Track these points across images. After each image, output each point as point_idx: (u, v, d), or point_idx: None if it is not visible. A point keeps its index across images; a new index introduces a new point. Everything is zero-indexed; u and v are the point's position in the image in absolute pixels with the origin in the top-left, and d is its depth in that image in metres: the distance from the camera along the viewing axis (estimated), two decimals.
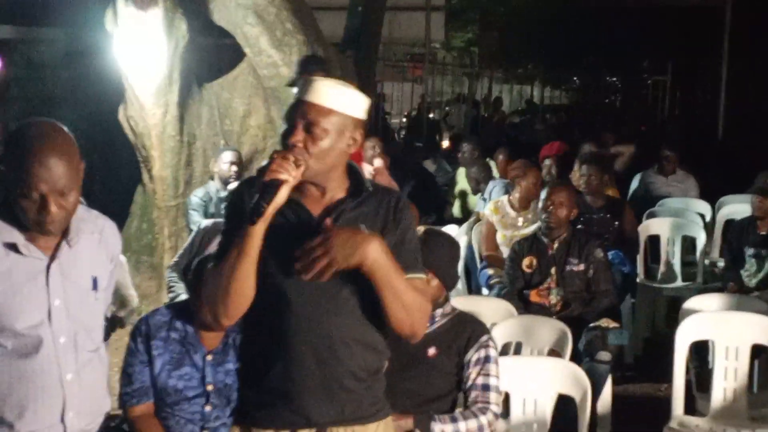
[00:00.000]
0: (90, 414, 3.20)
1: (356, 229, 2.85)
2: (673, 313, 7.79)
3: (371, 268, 2.82)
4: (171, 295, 6.30)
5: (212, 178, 7.47)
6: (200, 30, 8.36)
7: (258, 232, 2.81)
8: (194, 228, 6.97)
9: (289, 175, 2.80)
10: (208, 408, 3.95)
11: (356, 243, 2.79)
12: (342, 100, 2.92)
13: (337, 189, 2.99)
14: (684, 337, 5.11)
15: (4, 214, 3.01)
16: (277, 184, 2.79)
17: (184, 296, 6.02)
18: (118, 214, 8.76)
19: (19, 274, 3.00)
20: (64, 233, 3.08)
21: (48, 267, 3.05)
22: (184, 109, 8.07)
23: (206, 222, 6.48)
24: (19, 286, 3.00)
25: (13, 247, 3.00)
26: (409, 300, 2.91)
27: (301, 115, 2.87)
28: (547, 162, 8.99)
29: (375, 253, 2.81)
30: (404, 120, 23.71)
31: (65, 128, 3.05)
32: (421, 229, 4.03)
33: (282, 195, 2.81)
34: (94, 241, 3.18)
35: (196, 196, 7.38)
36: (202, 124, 8.29)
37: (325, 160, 2.90)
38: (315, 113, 2.87)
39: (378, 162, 8.53)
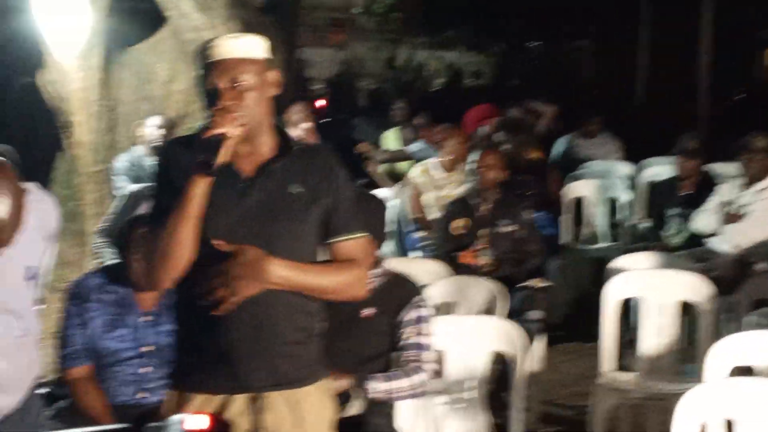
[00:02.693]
0: (20, 390, 3.17)
1: (253, 253, 2.80)
2: (599, 273, 7.91)
3: (280, 286, 2.84)
4: (99, 261, 6.21)
5: (136, 144, 7.36)
6: None
7: (200, 192, 2.78)
8: (119, 193, 6.88)
9: (231, 130, 2.78)
10: (143, 369, 3.93)
11: (257, 271, 2.79)
12: (247, 46, 2.90)
13: (265, 146, 2.95)
14: (611, 295, 5.18)
15: None
16: (219, 139, 2.76)
17: (110, 262, 5.95)
18: (40, 180, 8.61)
19: None
20: None
21: None
22: (107, 73, 7.92)
23: (134, 186, 6.40)
24: None
25: None
26: (334, 285, 2.95)
27: (220, 74, 2.84)
28: (486, 129, 9.02)
29: (277, 276, 2.82)
30: (326, 86, 23.59)
31: None
32: None
33: (225, 151, 2.78)
34: (30, 227, 3.07)
35: (122, 161, 7.27)
36: (125, 89, 8.15)
37: (258, 110, 2.89)
38: (233, 68, 2.84)
39: (306, 125, 8.48)
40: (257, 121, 2.90)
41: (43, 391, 4.99)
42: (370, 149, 9.79)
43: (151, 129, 7.20)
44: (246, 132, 2.85)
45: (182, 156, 2.90)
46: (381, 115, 12.44)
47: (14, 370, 3.11)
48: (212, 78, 2.85)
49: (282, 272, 2.83)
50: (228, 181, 2.88)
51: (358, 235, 3.03)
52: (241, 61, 2.86)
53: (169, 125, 7.39)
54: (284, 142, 2.98)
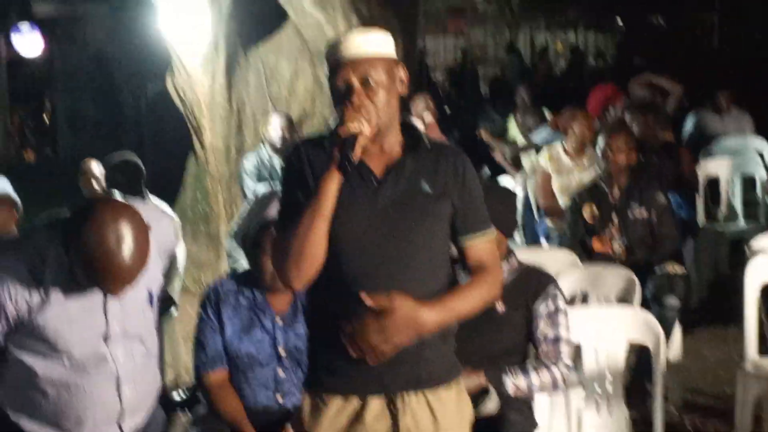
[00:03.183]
0: (144, 410, 3.23)
1: (407, 309, 2.79)
2: (736, 254, 7.70)
3: (437, 330, 2.86)
4: (231, 262, 6.30)
5: (263, 143, 7.45)
6: None
7: (334, 191, 2.79)
8: (249, 194, 6.98)
9: (364, 128, 2.78)
10: (280, 372, 3.97)
11: (414, 326, 2.80)
12: (377, 43, 2.89)
13: (395, 144, 2.95)
14: (754, 277, 5.00)
15: (57, 256, 2.95)
16: (354, 137, 2.77)
17: (244, 263, 6.02)
18: (171, 184, 8.81)
19: (76, 305, 2.98)
20: None
21: (105, 296, 3.01)
22: (232, 75, 8.04)
23: (263, 189, 6.47)
24: (77, 317, 2.98)
25: (71, 273, 2.94)
26: (479, 302, 2.97)
27: (352, 73, 2.84)
28: (613, 110, 8.85)
29: (432, 323, 2.84)
30: (447, 75, 23.52)
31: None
32: None
33: (358, 150, 2.78)
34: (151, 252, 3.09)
35: (249, 162, 7.37)
36: (251, 90, 8.25)
37: (389, 108, 2.88)
38: (364, 65, 2.84)
39: (428, 117, 8.46)
40: (387, 119, 2.89)
41: (179, 397, 5.13)
42: (491, 138, 9.69)
43: (275, 128, 7.26)
44: (376, 130, 2.85)
45: (313, 155, 2.92)
46: (504, 101, 12.33)
47: (140, 392, 3.18)
48: (342, 76, 2.85)
49: (436, 318, 2.85)
50: (359, 180, 2.88)
51: (488, 233, 3.02)
52: (371, 59, 2.86)
53: (292, 124, 7.45)
54: (413, 140, 2.97)
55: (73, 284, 2.94)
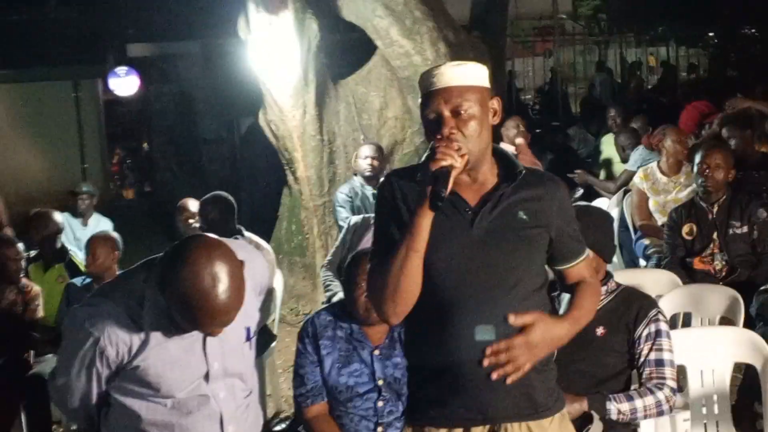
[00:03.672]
0: None
1: (546, 321, 2.86)
2: None
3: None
4: (328, 293, 6.33)
5: (355, 174, 7.49)
6: (330, 27, 8.41)
7: (426, 225, 2.77)
8: (343, 224, 7.01)
9: (455, 161, 2.76)
10: (380, 403, 3.96)
11: (551, 341, 2.87)
12: (470, 74, 2.88)
13: (489, 174, 2.94)
14: None
15: (153, 304, 2.96)
16: (446, 172, 2.74)
17: (341, 294, 6.05)
18: (267, 217, 8.92)
19: (176, 346, 2.99)
20: None
21: (204, 336, 3.01)
22: (322, 107, 8.12)
23: (356, 218, 6.50)
24: (177, 358, 2.99)
25: (169, 315, 2.93)
26: (593, 312, 3.05)
27: (444, 103, 2.83)
28: (709, 127, 8.71)
29: (566, 337, 2.92)
30: (536, 95, 23.41)
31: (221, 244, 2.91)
32: None
33: (449, 184, 2.76)
34: (248, 285, 3.07)
35: (342, 193, 7.41)
36: (341, 121, 8.32)
37: (481, 139, 2.87)
38: (456, 96, 2.83)
39: (520, 140, 8.42)
40: (480, 149, 2.88)
41: (279, 428, 5.14)
42: (591, 177, 9.57)
43: (364, 159, 7.30)
44: (468, 162, 2.83)
45: (405, 186, 2.92)
46: (597, 121, 12.22)
47: (243, 430, 3.18)
48: (435, 106, 2.85)
49: (568, 332, 2.92)
50: (453, 210, 2.87)
51: (584, 257, 3.04)
52: (464, 88, 2.85)
53: (382, 153, 7.47)
54: (507, 168, 2.95)
55: (172, 326, 2.95)
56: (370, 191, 7.25)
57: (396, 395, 3.96)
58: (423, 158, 2.84)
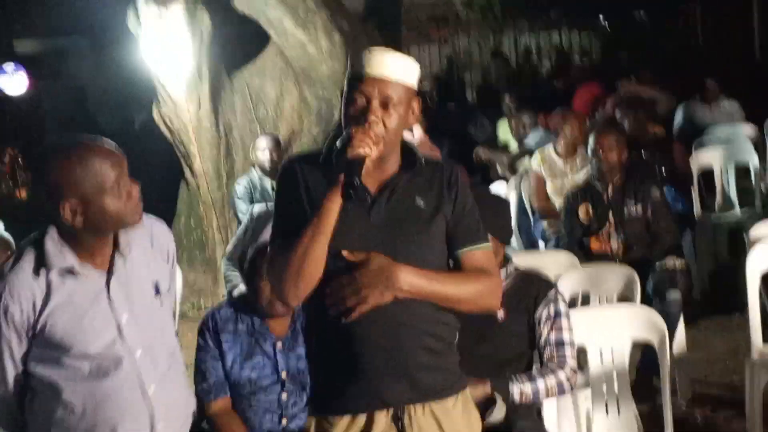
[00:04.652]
0: (178, 419, 3.20)
1: (382, 261, 2.78)
2: (734, 242, 7.68)
3: (411, 294, 2.81)
4: (229, 286, 6.27)
5: (254, 166, 7.43)
6: (223, 19, 8.30)
7: (335, 210, 2.76)
8: (242, 217, 6.95)
9: (371, 150, 2.76)
10: (284, 395, 3.94)
11: (386, 279, 2.77)
12: (407, 71, 2.88)
13: (393, 163, 2.93)
14: (755, 266, 4.98)
15: (52, 242, 2.99)
16: (361, 160, 2.74)
17: (242, 286, 5.99)
18: (165, 212, 8.78)
19: (80, 298, 2.98)
20: (115, 244, 3.05)
21: (107, 283, 3.01)
22: (217, 100, 8.04)
23: (257, 208, 6.44)
24: (83, 310, 2.97)
25: (69, 271, 2.97)
26: (467, 294, 2.91)
27: (377, 90, 2.82)
28: (600, 109, 8.86)
29: (408, 283, 2.79)
30: (433, 83, 23.51)
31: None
32: None
33: (362, 173, 2.75)
34: (147, 245, 3.14)
35: (240, 185, 7.35)
36: (237, 114, 8.25)
37: (397, 135, 2.88)
38: (390, 89, 2.83)
39: (418, 131, 8.43)
40: (393, 143, 2.88)
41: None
42: (488, 153, 9.66)
43: (262, 151, 7.24)
44: (381, 153, 2.83)
45: (308, 172, 2.90)
46: (494, 106, 12.32)
47: (169, 398, 3.14)
48: (364, 91, 2.83)
49: (412, 279, 2.80)
50: (358, 197, 2.84)
51: (484, 245, 2.99)
52: (398, 84, 2.84)
53: (279, 144, 7.42)
54: (408, 158, 2.95)
55: (72, 277, 2.96)
56: (269, 183, 7.20)
57: (300, 387, 3.94)
58: (339, 143, 2.82)
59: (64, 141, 3.05)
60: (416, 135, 8.26)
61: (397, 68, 2.85)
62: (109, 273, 3.02)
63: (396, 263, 2.79)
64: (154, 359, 3.09)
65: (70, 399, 2.99)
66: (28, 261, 2.97)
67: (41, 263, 2.96)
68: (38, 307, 2.94)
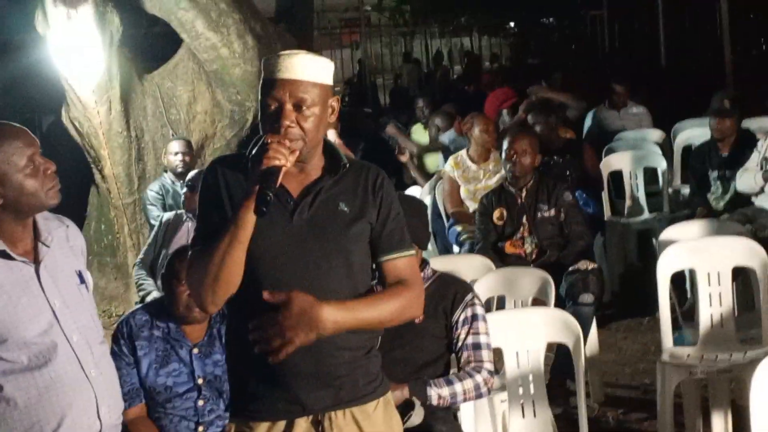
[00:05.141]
0: (117, 407, 3.21)
1: (304, 301, 2.70)
2: (644, 246, 7.81)
3: (335, 332, 2.76)
4: (141, 293, 6.18)
5: (166, 171, 7.34)
6: (134, 21, 8.19)
7: (251, 219, 2.72)
8: (154, 222, 6.86)
9: (287, 160, 2.72)
10: (201, 402, 3.90)
11: (309, 321, 2.70)
12: (320, 70, 2.84)
13: (316, 166, 2.90)
14: (665, 269, 5.07)
15: None
16: (276, 171, 2.69)
17: (155, 293, 5.93)
18: (74, 219, 8.61)
19: (12, 285, 2.97)
20: (36, 235, 3.06)
21: (37, 271, 3.02)
22: (128, 103, 7.91)
23: (168, 214, 6.38)
24: (17, 297, 2.97)
25: (1, 255, 2.97)
26: (390, 314, 2.87)
27: (288, 94, 2.78)
28: (505, 111, 8.95)
29: (331, 322, 2.73)
30: (344, 87, 23.56)
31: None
32: None
33: (277, 182, 2.71)
34: (63, 238, 3.17)
35: (152, 191, 7.24)
36: (149, 117, 8.13)
37: (316, 136, 2.84)
38: (302, 90, 2.79)
39: (332, 133, 8.41)
40: (312, 145, 2.84)
41: None
42: (397, 132, 9.67)
43: (173, 155, 7.16)
44: (300, 155, 2.80)
45: (229, 176, 2.86)
46: (405, 111, 12.36)
47: (108, 381, 3.17)
48: (278, 95, 2.79)
49: (335, 317, 2.74)
50: (280, 202, 2.81)
51: (408, 253, 2.96)
52: (310, 84, 2.80)
53: (191, 148, 7.34)
54: (332, 161, 2.92)
55: (1, 265, 2.97)
56: (180, 187, 7.11)
57: (217, 393, 3.90)
58: (253, 150, 2.79)
59: None
60: (330, 138, 8.25)
61: (308, 68, 2.81)
62: (36, 261, 3.02)
63: (318, 303, 2.72)
64: (89, 344, 3.10)
65: (11, 393, 2.96)
66: None
67: None
68: None
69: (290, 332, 2.69)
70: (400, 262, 2.92)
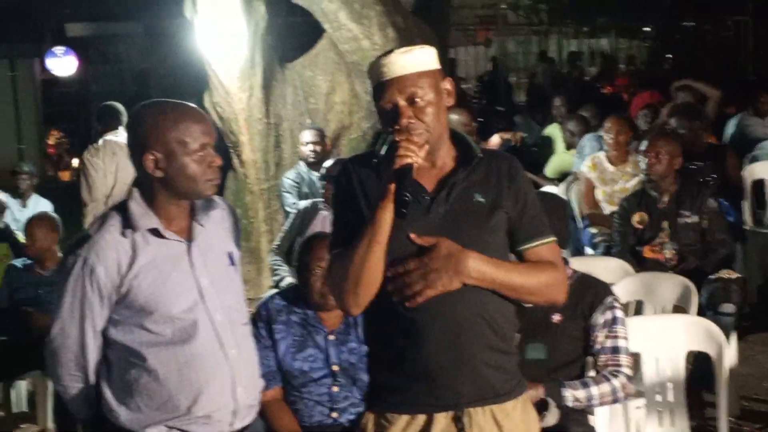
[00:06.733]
0: (254, 389, 3.24)
1: (451, 246, 2.73)
2: None
3: (478, 282, 2.75)
4: (276, 278, 6.26)
5: (300, 159, 7.43)
6: (278, 10, 8.27)
7: (388, 219, 2.72)
8: (289, 210, 6.94)
9: (417, 156, 2.72)
10: (335, 388, 3.91)
11: (456, 264, 2.71)
12: (420, 58, 2.83)
13: (447, 158, 2.88)
14: None
15: (137, 204, 3.06)
16: (409, 169, 2.70)
17: (289, 278, 6.00)
18: None
19: (164, 261, 3.04)
20: (193, 213, 3.13)
21: (189, 249, 3.08)
22: (269, 91, 8.00)
23: (304, 203, 6.44)
24: (167, 273, 3.04)
25: (154, 232, 3.04)
26: (534, 285, 2.84)
27: (398, 93, 2.78)
28: (642, 112, 8.77)
29: (476, 270, 2.74)
30: (477, 84, 23.48)
31: None
32: None
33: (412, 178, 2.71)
34: (218, 219, 3.21)
35: (288, 178, 7.34)
36: (288, 105, 8.21)
37: (438, 123, 2.82)
38: (410, 84, 2.78)
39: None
40: (437, 134, 2.83)
41: None
42: (519, 138, 9.58)
43: (305, 146, 7.25)
44: (428, 149, 2.78)
45: (363, 174, 2.87)
46: (541, 110, 12.23)
47: (246, 362, 3.21)
48: (389, 96, 2.79)
49: (480, 266, 2.75)
50: (415, 197, 2.79)
51: (549, 239, 2.93)
52: (417, 75, 2.79)
53: (323, 138, 7.42)
54: (465, 152, 2.89)
55: (156, 240, 3.04)
56: (315, 176, 7.18)
57: (351, 381, 3.91)
58: (383, 151, 2.79)
59: (165, 100, 3.13)
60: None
61: (408, 61, 2.80)
62: (190, 239, 3.09)
63: (465, 249, 2.74)
64: (232, 324, 3.14)
65: (153, 365, 3.02)
66: (114, 223, 3.04)
67: (127, 225, 3.03)
68: (123, 269, 3.00)
69: (434, 274, 2.70)
70: (542, 249, 2.89)
